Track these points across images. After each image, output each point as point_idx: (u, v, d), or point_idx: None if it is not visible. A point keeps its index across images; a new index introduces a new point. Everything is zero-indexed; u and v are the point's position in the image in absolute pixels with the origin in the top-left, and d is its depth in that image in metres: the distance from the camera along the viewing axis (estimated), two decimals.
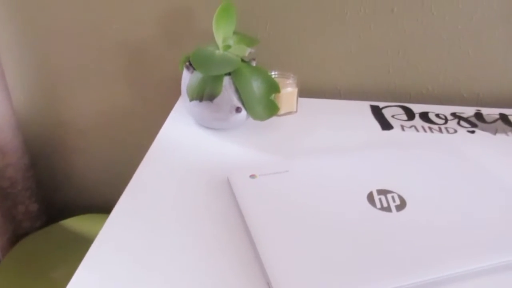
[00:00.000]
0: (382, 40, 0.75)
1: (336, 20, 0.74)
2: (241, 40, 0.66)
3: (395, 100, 0.79)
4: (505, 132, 0.67)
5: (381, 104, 0.76)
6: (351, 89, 0.80)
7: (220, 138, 0.64)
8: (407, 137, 0.65)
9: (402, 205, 0.48)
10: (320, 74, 0.79)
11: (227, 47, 0.63)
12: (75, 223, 0.93)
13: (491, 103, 0.78)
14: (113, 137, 0.92)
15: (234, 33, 0.66)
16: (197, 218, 0.49)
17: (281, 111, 0.70)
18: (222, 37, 0.63)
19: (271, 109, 0.63)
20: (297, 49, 0.78)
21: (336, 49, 0.77)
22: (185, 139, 0.64)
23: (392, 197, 0.49)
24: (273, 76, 0.72)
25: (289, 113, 0.71)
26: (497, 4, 0.70)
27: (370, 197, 0.49)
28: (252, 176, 0.52)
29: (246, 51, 0.62)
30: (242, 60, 0.65)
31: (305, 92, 0.81)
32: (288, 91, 0.69)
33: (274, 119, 0.70)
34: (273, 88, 0.63)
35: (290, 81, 0.70)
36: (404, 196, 0.49)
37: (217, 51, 0.62)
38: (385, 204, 0.48)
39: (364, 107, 0.75)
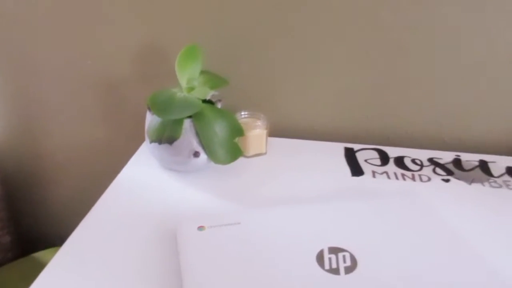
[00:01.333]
0: (359, 82, 0.73)
1: (312, 62, 0.73)
2: (208, 81, 0.64)
3: (373, 142, 0.76)
4: (481, 182, 0.64)
5: (356, 147, 0.73)
6: (328, 130, 0.78)
7: (182, 181, 0.62)
8: (377, 185, 0.63)
9: (352, 267, 0.45)
10: (296, 114, 0.78)
11: (191, 89, 0.61)
12: (48, 256, 0.91)
13: (473, 148, 0.75)
14: (89, 171, 0.91)
15: (202, 73, 0.65)
16: (138, 270, 0.46)
17: (250, 153, 0.68)
18: (187, 78, 0.62)
19: (235, 153, 0.61)
20: (272, 89, 0.76)
21: (313, 89, 0.75)
22: (145, 181, 0.62)
23: (344, 256, 0.46)
24: (242, 117, 0.70)
25: (258, 154, 0.69)
26: (479, 49, 0.68)
27: (320, 256, 0.46)
28: (200, 228, 0.50)
29: (208, 94, 0.61)
30: (208, 102, 0.64)
31: (280, 131, 0.79)
32: (257, 132, 0.67)
33: (242, 160, 0.68)
34: (237, 131, 0.62)
35: (259, 122, 0.69)
36: (357, 256, 0.46)
37: (178, 94, 0.60)
38: (334, 265, 0.45)
39: (338, 149, 0.73)
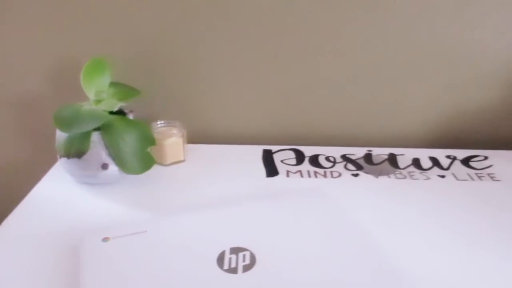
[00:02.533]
0: (274, 84, 0.76)
1: (226, 68, 0.74)
2: (118, 93, 0.65)
3: (292, 143, 0.78)
4: (388, 174, 0.67)
5: (274, 148, 0.76)
6: (248, 133, 0.80)
7: (95, 194, 0.62)
8: (289, 184, 0.65)
9: (251, 264, 0.46)
10: (216, 119, 0.79)
11: (98, 101, 0.61)
12: None
13: (383, 141, 0.79)
14: (8, 190, 0.88)
15: (112, 85, 0.65)
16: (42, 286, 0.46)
17: (167, 161, 0.69)
18: (95, 91, 0.62)
19: (147, 163, 0.62)
20: (190, 97, 0.77)
21: (230, 95, 0.77)
22: (56, 196, 0.62)
23: (244, 255, 0.48)
24: (159, 126, 0.71)
25: (176, 162, 0.70)
26: (382, 45, 0.72)
27: (221, 258, 0.47)
28: (105, 239, 0.50)
29: (116, 106, 0.61)
30: (119, 113, 0.64)
31: (201, 138, 0.80)
32: (173, 140, 0.68)
33: (160, 169, 0.69)
34: (148, 140, 0.62)
35: (175, 130, 0.69)
36: (256, 254, 0.48)
37: (84, 107, 0.60)
38: (233, 265, 0.46)
39: (256, 151, 0.75)
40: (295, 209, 0.56)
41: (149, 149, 0.62)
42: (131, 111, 0.65)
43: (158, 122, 0.71)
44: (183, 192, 0.63)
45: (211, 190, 0.63)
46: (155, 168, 0.67)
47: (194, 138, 0.78)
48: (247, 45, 0.73)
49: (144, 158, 0.62)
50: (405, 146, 0.78)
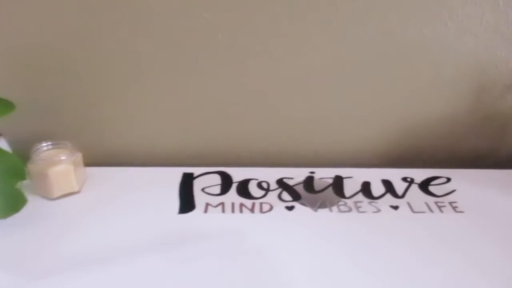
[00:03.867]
0: (196, 94, 0.62)
1: (136, 73, 0.60)
2: None
3: (221, 163, 0.65)
4: (330, 206, 0.55)
5: (197, 171, 0.62)
6: (168, 153, 0.66)
7: None
8: (205, 224, 0.52)
9: None
10: (129, 137, 0.65)
11: None
12: None
13: (329, 159, 0.66)
14: None
15: None
16: None
17: (55, 194, 0.55)
18: None
19: (15, 202, 0.48)
20: (91, 110, 0.63)
21: (144, 105, 0.63)
22: None
23: None
24: (45, 149, 0.56)
25: (68, 194, 0.56)
26: (327, 49, 0.59)
27: None
28: None
29: None
30: None
31: (111, 159, 0.65)
32: (61, 168, 0.54)
33: (45, 204, 0.54)
34: (16, 174, 0.48)
35: (65, 154, 0.55)
36: None
37: None
38: None
39: (175, 175, 0.61)
40: (200, 266, 0.42)
41: (18, 185, 0.48)
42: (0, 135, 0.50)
43: (44, 144, 0.56)
44: (71, 235, 0.49)
45: (104, 233, 0.50)
46: (40, 204, 0.53)
47: (97, 159, 0.63)
48: (160, 46, 0.58)
49: (11, 197, 0.48)
50: (356, 165, 0.65)
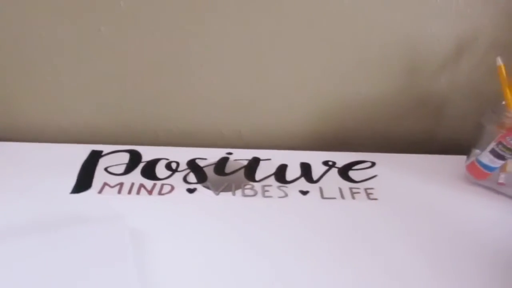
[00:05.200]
0: (108, 73, 0.58)
1: (37, 41, 0.56)
2: None
3: (138, 141, 0.61)
4: (234, 190, 0.52)
5: (107, 149, 0.58)
6: (79, 131, 0.62)
7: None
8: (95, 205, 0.49)
9: None
10: (35, 109, 0.61)
11: None
12: None
13: (254, 141, 0.63)
14: None
15: None
16: None
17: None
18: None
19: None
20: None
21: (51, 77, 0.59)
22: None
23: None
24: None
25: None
26: (249, 31, 0.54)
27: None
28: None
29: None
30: None
31: (12, 133, 0.62)
32: None
33: None
34: None
35: None
36: None
37: None
38: None
39: (83, 153, 0.57)
40: (69, 251, 0.39)
41: None
42: None
43: None
44: None
45: None
46: None
47: (5, 134, 0.59)
48: (62, 19, 0.54)
49: None
50: (281, 147, 0.61)
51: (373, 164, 0.58)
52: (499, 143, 0.51)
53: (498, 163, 0.52)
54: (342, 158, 0.59)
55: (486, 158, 0.52)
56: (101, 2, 0.53)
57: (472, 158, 0.54)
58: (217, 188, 0.52)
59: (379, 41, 0.56)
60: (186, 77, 0.59)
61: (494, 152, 0.52)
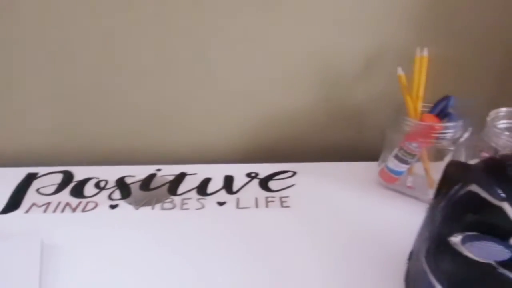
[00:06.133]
0: (40, 97, 0.62)
1: None
2: None
3: (72, 163, 0.64)
4: (156, 203, 0.55)
5: (42, 171, 0.62)
6: (18, 153, 0.66)
7: None
8: (19, 223, 0.52)
9: None
10: None
11: None
12: None
13: (189, 156, 0.66)
14: None
15: None
16: None
17: None
18: None
19: None
20: None
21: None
22: None
23: None
24: None
25: None
26: (173, 48, 0.58)
27: None
28: None
29: None
30: None
31: None
32: None
33: None
34: None
35: None
36: None
37: None
38: None
39: (20, 175, 0.61)
40: None
41: None
42: None
43: None
44: None
45: None
46: None
47: None
48: None
49: None
50: (212, 161, 0.65)
51: (294, 173, 0.61)
52: (401, 148, 0.54)
53: (402, 167, 0.55)
54: (265, 169, 0.62)
55: (392, 163, 0.55)
56: (31, 29, 0.56)
57: (383, 164, 0.57)
58: (138, 203, 0.55)
59: (297, 56, 0.59)
60: (116, 97, 0.62)
61: (397, 157, 0.55)
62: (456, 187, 0.38)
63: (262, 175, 0.61)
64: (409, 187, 0.56)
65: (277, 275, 0.43)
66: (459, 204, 0.37)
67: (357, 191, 0.57)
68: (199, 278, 0.43)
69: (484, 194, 0.35)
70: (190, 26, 0.57)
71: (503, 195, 0.34)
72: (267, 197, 0.56)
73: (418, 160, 0.55)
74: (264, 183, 0.59)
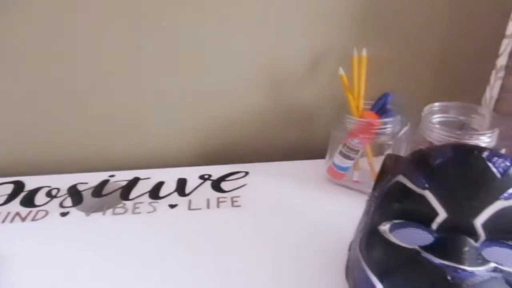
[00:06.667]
0: None
1: None
2: None
3: (24, 172, 0.64)
4: (105, 210, 0.55)
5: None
6: None
7: None
8: None
9: None
10: None
11: None
12: None
13: (143, 161, 0.66)
14: None
15: None
16: None
17: None
18: None
19: None
20: None
21: None
22: None
23: None
24: None
25: None
26: (127, 51, 0.59)
27: None
28: None
29: None
30: None
31: None
32: None
33: None
34: None
35: None
36: None
37: None
38: None
39: None
40: None
41: None
42: None
43: None
44: None
45: None
46: None
47: None
48: None
49: None
50: (167, 165, 0.65)
51: (247, 173, 0.62)
52: (344, 145, 0.56)
53: (347, 163, 0.57)
54: (218, 171, 0.63)
55: (338, 159, 0.57)
56: None
57: (330, 161, 0.59)
58: (89, 210, 0.55)
59: (245, 60, 0.61)
60: (70, 105, 0.62)
61: (342, 154, 0.57)
62: (387, 178, 0.41)
63: (215, 176, 0.62)
64: (355, 181, 0.58)
65: (227, 273, 0.44)
66: (388, 194, 0.39)
67: (306, 188, 0.59)
68: (151, 280, 0.44)
69: (409, 184, 0.37)
70: (142, 32, 0.58)
71: (426, 184, 0.36)
72: (218, 198, 0.57)
73: (363, 155, 0.57)
74: (216, 184, 0.60)
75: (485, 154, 0.38)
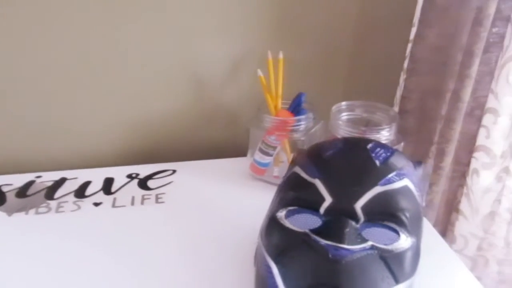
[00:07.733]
0: None
1: None
2: None
3: None
4: (28, 209, 0.55)
5: None
6: None
7: None
8: None
9: None
10: None
11: None
12: None
13: (66, 163, 0.67)
14: None
15: None
16: None
17: None
18: None
19: None
20: None
21: None
22: None
23: None
24: None
25: None
26: (49, 52, 0.59)
27: None
28: None
29: None
30: None
31: None
32: None
33: None
34: None
35: None
36: None
37: None
38: None
39: None
40: None
41: None
42: None
43: None
44: None
45: None
46: None
47: None
48: None
49: None
50: (96, 165, 0.66)
51: (174, 171, 0.64)
52: (263, 142, 0.60)
53: (267, 159, 0.60)
54: (146, 169, 0.65)
55: (258, 156, 0.61)
56: None
57: (252, 158, 0.62)
58: (12, 210, 0.55)
59: (171, 62, 0.63)
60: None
61: (261, 150, 0.60)
62: (288, 170, 0.44)
63: (143, 175, 0.64)
64: (275, 177, 0.62)
65: (148, 267, 0.46)
66: (286, 184, 0.43)
67: (230, 184, 0.62)
68: (74, 276, 0.45)
69: (303, 173, 0.41)
70: (68, 29, 0.59)
71: (316, 173, 0.40)
72: (143, 195, 0.59)
73: (282, 151, 0.61)
74: (143, 183, 0.62)
75: (369, 145, 0.42)
